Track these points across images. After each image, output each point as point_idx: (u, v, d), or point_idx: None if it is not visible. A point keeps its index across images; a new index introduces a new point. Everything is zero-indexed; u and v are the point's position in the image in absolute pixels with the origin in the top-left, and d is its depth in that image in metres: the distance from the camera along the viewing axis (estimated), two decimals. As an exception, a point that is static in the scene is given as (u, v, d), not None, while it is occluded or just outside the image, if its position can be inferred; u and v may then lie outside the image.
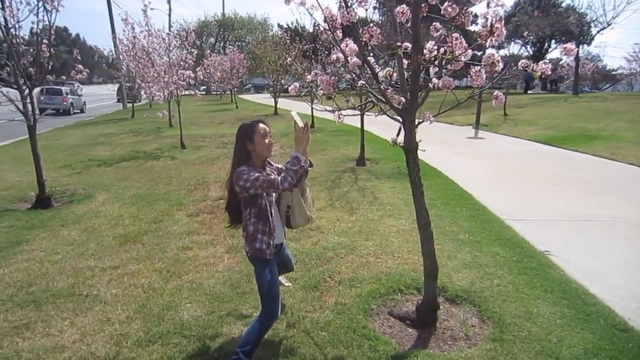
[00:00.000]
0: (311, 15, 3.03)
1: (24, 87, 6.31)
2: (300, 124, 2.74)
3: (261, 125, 2.89)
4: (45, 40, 6.35)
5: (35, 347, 3.16)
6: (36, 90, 6.59)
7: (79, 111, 28.15)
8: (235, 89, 32.68)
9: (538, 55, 36.36)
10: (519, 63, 2.62)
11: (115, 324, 3.45)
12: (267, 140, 2.87)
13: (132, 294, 3.93)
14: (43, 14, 6.23)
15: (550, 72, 2.61)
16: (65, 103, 26.54)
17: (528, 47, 38.01)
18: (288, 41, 18.63)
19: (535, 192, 7.17)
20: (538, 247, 4.83)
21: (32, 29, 6.52)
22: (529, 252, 4.67)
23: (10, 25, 6.17)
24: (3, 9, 6.02)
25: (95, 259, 4.71)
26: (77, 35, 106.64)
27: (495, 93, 2.71)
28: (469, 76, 2.59)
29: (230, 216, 3.09)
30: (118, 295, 3.92)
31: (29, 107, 6.43)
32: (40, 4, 6.13)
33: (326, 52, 13.26)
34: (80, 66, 6.88)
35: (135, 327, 3.39)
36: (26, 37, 6.57)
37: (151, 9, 12.11)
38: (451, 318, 3.47)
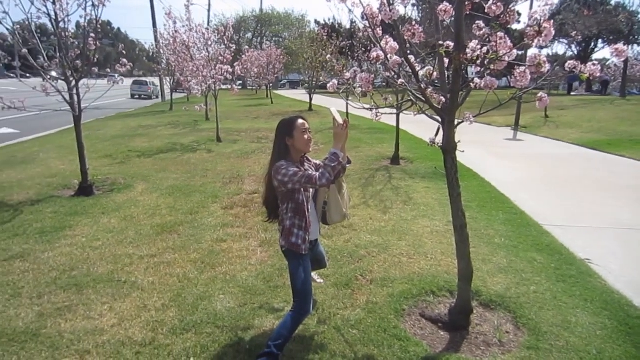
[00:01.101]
0: (351, 12, 3.02)
1: (70, 79, 6.53)
2: (340, 120, 2.74)
3: (300, 120, 2.91)
4: (92, 34, 6.55)
5: (77, 328, 3.29)
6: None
7: (156, 97, 35.17)
8: (271, 85, 32.95)
9: (583, 56, 35.20)
10: (566, 64, 2.54)
11: (152, 310, 3.54)
12: (306, 136, 2.88)
13: (168, 282, 4.03)
14: (91, 8, 6.44)
15: (598, 74, 2.52)
16: (149, 91, 35.48)
17: (573, 46, 36.81)
18: (325, 38, 18.65)
19: (576, 198, 6.95)
20: (578, 254, 4.69)
21: (78, 22, 6.75)
22: (569, 260, 4.54)
23: (59, 19, 6.39)
24: (54, 3, 6.23)
25: (134, 247, 4.85)
26: (119, 29, 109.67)
27: (539, 94, 2.64)
28: (512, 77, 2.53)
29: (268, 211, 3.12)
30: (154, 283, 4.02)
31: (75, 98, 6.65)
32: (89, -2, 6.33)
33: (363, 49, 13.21)
34: (124, 60, 7.07)
35: (171, 315, 3.48)
36: (72, 31, 6.79)
37: (192, 4, 12.35)
38: (485, 323, 3.41)
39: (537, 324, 3.35)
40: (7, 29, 6.25)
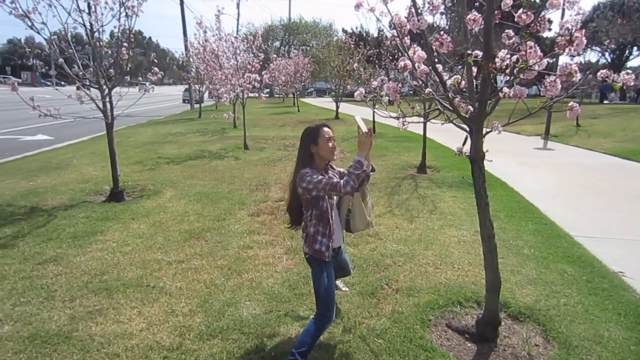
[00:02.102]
0: (379, 21, 3.03)
1: (104, 87, 6.72)
2: (364, 128, 2.76)
3: (325, 129, 2.94)
4: (125, 43, 6.73)
5: (107, 332, 3.36)
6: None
7: (202, 101, 35.84)
8: (298, 93, 33.18)
9: (617, 64, 34.35)
10: (598, 73, 2.48)
11: (179, 316, 3.60)
12: (330, 144, 2.91)
13: (195, 288, 4.09)
14: (124, 19, 6.62)
15: (632, 83, 2.46)
16: (197, 97, 35.83)
17: (606, 54, 35.98)
18: (352, 46, 18.70)
19: (609, 209, 6.77)
20: (611, 267, 4.56)
21: (112, 32, 6.96)
22: (601, 272, 4.42)
23: (94, 29, 6.59)
24: (89, 14, 6.44)
25: (162, 253, 4.94)
26: (150, 38, 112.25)
27: (570, 104, 2.59)
28: (542, 86, 2.49)
29: (291, 217, 3.15)
30: (182, 288, 4.08)
31: (108, 105, 6.83)
32: (122, 9, 6.51)
33: (390, 57, 13.20)
34: (156, 69, 7.23)
35: (198, 320, 3.53)
36: (106, 40, 6.99)
37: (222, 13, 12.54)
38: (513, 335, 3.35)
39: (567, 337, 3.27)
40: (45, 39, 6.47)
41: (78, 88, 6.40)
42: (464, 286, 4.08)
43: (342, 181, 2.70)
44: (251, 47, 12.88)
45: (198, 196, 7.32)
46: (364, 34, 34.74)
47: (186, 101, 39.18)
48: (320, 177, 2.77)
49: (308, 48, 55.23)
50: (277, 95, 45.58)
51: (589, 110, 20.98)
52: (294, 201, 3.03)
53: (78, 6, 6.34)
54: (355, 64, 16.12)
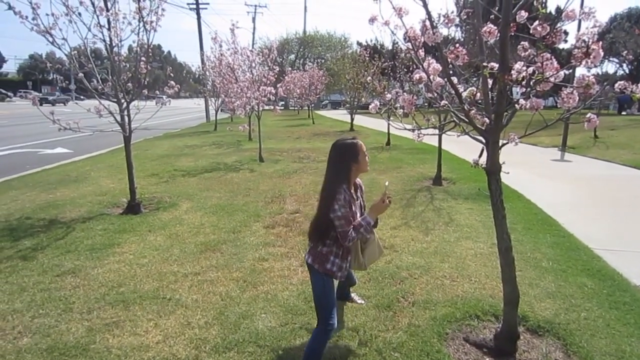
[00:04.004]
0: (394, 33, 3.05)
1: (122, 101, 6.84)
2: (386, 197, 2.89)
3: (361, 143, 3.01)
4: (143, 58, 6.85)
5: (123, 344, 3.39)
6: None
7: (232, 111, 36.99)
8: (313, 105, 33.37)
9: (636, 74, 33.92)
10: (616, 85, 2.46)
11: (195, 328, 3.61)
12: (367, 158, 3.01)
13: (211, 300, 4.10)
14: (143, 33, 6.74)
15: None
16: (230, 106, 37.18)
17: (624, 65, 35.58)
18: (367, 58, 18.80)
19: (630, 221, 6.64)
20: (632, 280, 4.47)
21: (130, 46, 7.08)
22: (622, 285, 4.33)
23: (114, 44, 6.72)
24: (109, 29, 6.58)
25: (178, 265, 4.97)
26: (169, 52, 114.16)
27: (588, 115, 2.57)
28: (559, 98, 2.48)
29: (316, 235, 3.00)
30: (198, 300, 4.10)
31: (126, 119, 6.94)
32: (141, 24, 6.64)
33: (405, 69, 13.23)
34: (172, 82, 7.34)
35: (214, 332, 3.54)
36: (124, 55, 7.11)
37: (237, 27, 12.71)
38: (532, 350, 3.29)
39: (588, 352, 3.21)
40: (65, 54, 6.60)
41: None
42: (482, 299, 4.03)
43: (350, 236, 2.78)
44: (266, 60, 13.01)
45: (214, 208, 7.37)
46: (379, 47, 34.88)
47: (223, 110, 39.72)
48: (345, 212, 2.77)
49: (323, 61, 55.60)
50: (292, 108, 45.96)
51: (607, 121, 20.74)
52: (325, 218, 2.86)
53: (99, 22, 6.47)
54: (369, 77, 16.17)
